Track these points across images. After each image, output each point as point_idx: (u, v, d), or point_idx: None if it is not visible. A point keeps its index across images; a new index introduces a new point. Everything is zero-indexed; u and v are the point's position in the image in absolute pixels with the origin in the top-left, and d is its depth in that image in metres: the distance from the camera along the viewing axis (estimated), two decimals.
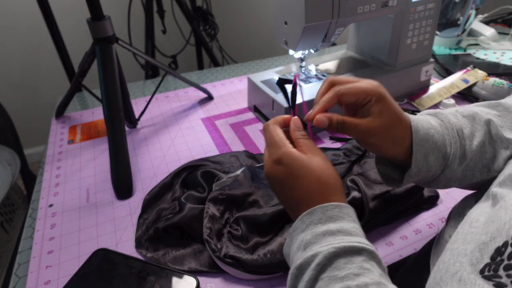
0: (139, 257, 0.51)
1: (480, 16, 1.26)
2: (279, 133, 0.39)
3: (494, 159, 0.39)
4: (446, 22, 1.10)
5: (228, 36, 1.94)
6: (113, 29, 0.70)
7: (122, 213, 0.58)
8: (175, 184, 0.61)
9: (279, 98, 0.72)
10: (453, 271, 0.27)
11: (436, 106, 0.82)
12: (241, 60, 1.37)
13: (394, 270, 0.50)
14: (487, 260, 0.25)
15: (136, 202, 0.60)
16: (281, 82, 0.46)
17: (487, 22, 1.24)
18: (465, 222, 0.31)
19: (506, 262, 0.24)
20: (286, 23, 0.69)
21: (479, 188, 0.42)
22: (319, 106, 0.39)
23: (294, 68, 0.84)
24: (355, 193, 0.52)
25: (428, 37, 0.81)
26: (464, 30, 1.06)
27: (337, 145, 0.69)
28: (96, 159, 0.71)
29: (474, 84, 0.84)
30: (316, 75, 0.80)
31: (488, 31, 1.13)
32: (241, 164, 0.64)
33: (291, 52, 0.74)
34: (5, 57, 1.66)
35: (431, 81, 0.90)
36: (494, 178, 0.37)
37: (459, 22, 1.08)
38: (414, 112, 0.80)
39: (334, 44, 1.20)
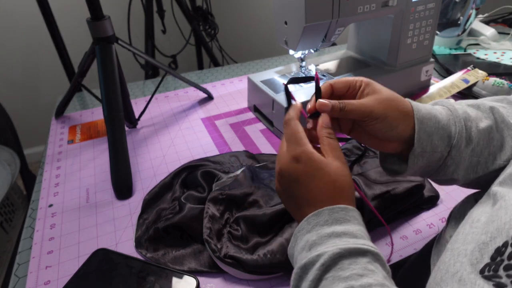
0: (139, 257, 0.51)
1: (480, 16, 1.26)
2: (300, 130, 0.39)
3: (502, 147, 0.39)
4: (446, 22, 1.10)
5: (228, 36, 1.94)
6: (113, 29, 0.70)
7: (122, 213, 0.58)
8: (175, 184, 0.61)
9: (279, 98, 0.72)
10: (453, 271, 0.27)
11: None
12: (241, 60, 1.37)
13: (394, 270, 0.50)
14: (487, 260, 0.25)
15: (136, 202, 0.60)
16: (295, 81, 0.45)
17: (487, 22, 1.24)
18: (466, 222, 0.31)
19: (506, 262, 0.24)
20: (286, 23, 0.69)
21: (482, 186, 0.42)
22: (315, 97, 0.41)
23: (294, 68, 0.84)
24: (355, 193, 0.52)
25: (428, 37, 0.81)
26: (464, 30, 1.06)
27: None
28: (96, 159, 0.71)
29: (474, 84, 0.84)
30: None
31: (488, 31, 1.13)
32: (241, 164, 0.64)
33: (291, 52, 0.74)
34: (5, 57, 1.66)
35: (431, 81, 0.90)
36: (497, 175, 0.37)
37: (459, 22, 1.08)
38: None
39: (334, 44, 1.20)
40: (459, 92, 0.84)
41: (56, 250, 0.53)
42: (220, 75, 1.04)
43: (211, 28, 1.68)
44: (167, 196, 0.59)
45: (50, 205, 0.61)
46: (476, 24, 1.16)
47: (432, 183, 0.60)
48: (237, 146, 0.73)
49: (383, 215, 0.53)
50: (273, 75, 0.81)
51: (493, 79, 0.82)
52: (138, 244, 0.52)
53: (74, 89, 0.81)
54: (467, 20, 1.03)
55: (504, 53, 1.04)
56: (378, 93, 0.39)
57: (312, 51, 0.75)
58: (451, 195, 0.59)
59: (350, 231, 0.33)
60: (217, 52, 1.80)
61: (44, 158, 0.72)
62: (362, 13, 0.68)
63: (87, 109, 0.89)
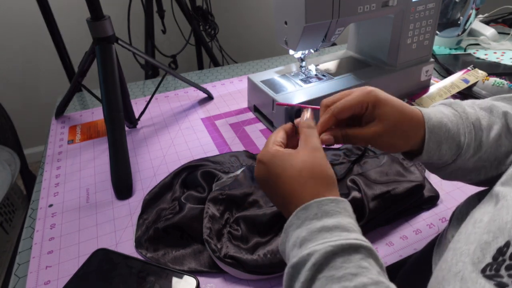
0: (139, 257, 0.51)
1: (480, 16, 1.26)
2: (273, 134, 0.40)
3: (508, 153, 0.39)
4: (447, 22, 1.10)
5: (228, 36, 1.94)
6: (113, 29, 0.70)
7: (122, 213, 0.58)
8: (175, 184, 0.61)
9: (279, 98, 0.72)
10: (455, 270, 0.27)
11: None
12: (241, 60, 1.36)
13: (395, 270, 0.50)
14: (489, 260, 0.25)
15: (136, 202, 0.60)
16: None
17: (487, 22, 1.24)
18: (469, 222, 0.31)
19: (508, 262, 0.24)
20: (286, 23, 0.69)
21: (483, 184, 0.42)
22: (318, 129, 0.40)
23: (294, 68, 0.84)
24: (355, 193, 0.52)
25: (428, 37, 0.81)
26: (464, 30, 1.05)
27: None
28: (96, 159, 0.71)
29: (474, 84, 0.84)
30: (316, 75, 0.80)
31: (488, 31, 1.13)
32: (241, 164, 0.64)
33: (291, 52, 0.74)
34: (5, 57, 1.66)
35: (431, 81, 0.90)
36: (500, 176, 0.37)
37: (459, 22, 1.08)
38: None
39: (334, 44, 1.20)
40: (459, 92, 0.84)
41: (56, 250, 0.53)
42: (220, 75, 1.04)
43: (211, 28, 1.68)
44: (167, 196, 0.59)
45: (50, 205, 0.61)
46: (476, 24, 1.16)
47: (432, 183, 0.60)
48: (237, 146, 0.73)
49: (384, 215, 0.53)
50: (273, 75, 0.81)
51: (493, 79, 0.82)
52: (138, 244, 0.52)
53: (74, 89, 0.81)
54: (467, 20, 1.03)
55: (504, 53, 1.04)
56: (387, 118, 0.38)
57: (312, 51, 0.75)
58: (451, 195, 0.59)
59: (342, 224, 0.31)
60: (217, 52, 1.80)
61: (44, 158, 0.72)
62: (362, 13, 0.68)
63: (87, 109, 0.89)
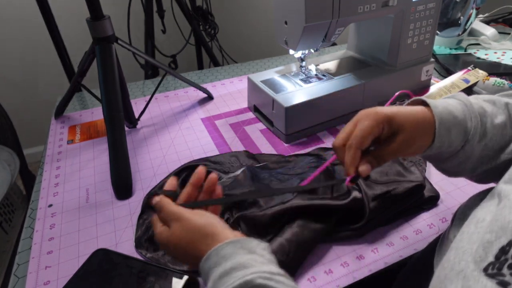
0: (139, 257, 0.50)
1: (481, 16, 1.26)
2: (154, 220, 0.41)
3: (510, 142, 0.39)
4: (447, 21, 1.10)
5: (228, 36, 1.94)
6: (113, 29, 0.70)
7: (122, 213, 0.58)
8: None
9: (279, 98, 0.71)
10: (458, 269, 0.27)
11: None
12: (241, 60, 1.36)
13: (395, 270, 0.50)
14: (491, 259, 0.25)
15: (136, 202, 0.60)
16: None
17: (487, 21, 1.24)
18: (471, 222, 0.31)
19: (510, 261, 0.24)
20: (286, 23, 0.68)
21: (485, 180, 0.43)
22: (353, 168, 0.39)
23: (294, 68, 0.84)
24: (355, 193, 0.52)
25: (429, 36, 0.81)
26: (464, 30, 1.05)
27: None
28: (95, 159, 0.71)
29: (474, 84, 0.84)
30: (316, 75, 0.80)
31: (489, 31, 1.13)
32: (241, 164, 0.64)
33: (291, 52, 0.74)
34: (5, 57, 1.66)
35: (432, 81, 0.90)
36: (500, 169, 0.37)
37: (459, 22, 1.08)
38: None
39: (334, 44, 1.20)
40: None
41: (56, 250, 0.53)
42: (220, 75, 1.03)
43: (211, 28, 1.68)
44: None
45: (50, 205, 0.60)
46: (477, 24, 1.16)
47: (432, 183, 0.60)
48: (237, 146, 0.72)
49: (384, 215, 0.53)
50: (273, 75, 0.81)
51: (493, 79, 0.82)
52: (138, 244, 0.52)
53: (74, 89, 0.81)
54: (468, 20, 1.03)
55: (504, 53, 1.04)
56: (403, 129, 0.38)
57: (312, 51, 0.75)
58: (451, 195, 0.59)
59: (239, 262, 0.32)
60: (217, 52, 1.79)
61: (43, 158, 0.72)
62: (362, 13, 0.68)
63: (87, 109, 0.89)
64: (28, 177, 1.25)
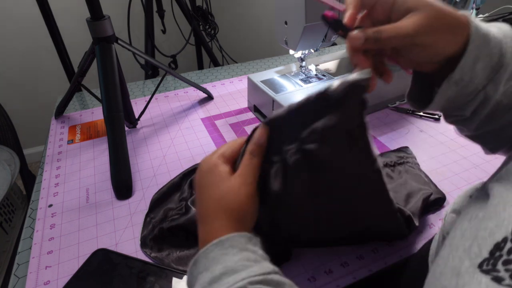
0: (142, 256, 0.50)
1: (481, 16, 1.26)
2: (224, 146, 0.40)
3: None
4: None
5: (228, 36, 1.94)
6: (113, 29, 0.70)
7: (122, 213, 0.58)
8: (183, 184, 0.61)
9: (279, 98, 0.71)
10: (452, 265, 0.27)
11: None
12: (241, 60, 1.36)
13: (395, 270, 0.50)
14: (485, 255, 0.25)
15: (136, 202, 0.60)
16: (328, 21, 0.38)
17: (487, 21, 1.24)
18: (464, 218, 0.31)
19: (505, 257, 0.24)
20: (286, 23, 0.69)
21: (486, 140, 0.38)
22: (347, 17, 0.34)
23: (294, 68, 0.84)
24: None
25: None
26: None
27: None
28: (95, 159, 0.71)
29: None
30: (316, 75, 0.80)
31: None
32: None
33: (291, 52, 0.74)
34: (5, 57, 1.66)
35: None
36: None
37: None
38: (415, 112, 0.80)
39: (334, 44, 1.20)
40: None
41: (56, 250, 0.53)
42: (220, 75, 1.03)
43: (211, 28, 1.68)
44: (175, 196, 0.59)
45: (50, 205, 0.61)
46: None
47: (437, 185, 0.59)
48: None
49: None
50: (273, 75, 0.81)
51: None
52: (143, 244, 0.52)
53: (74, 89, 0.81)
54: None
55: None
56: (424, 9, 0.30)
57: (312, 51, 0.75)
58: (451, 195, 0.59)
59: (229, 266, 0.31)
60: (217, 52, 1.80)
61: (44, 158, 0.72)
62: None
63: (87, 109, 0.89)
64: (28, 177, 1.25)
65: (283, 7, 0.68)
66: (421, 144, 0.71)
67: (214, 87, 0.96)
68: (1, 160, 1.06)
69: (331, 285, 0.46)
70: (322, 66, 0.85)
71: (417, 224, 0.49)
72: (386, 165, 0.61)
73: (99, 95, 0.70)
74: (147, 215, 0.57)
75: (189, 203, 0.54)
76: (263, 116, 0.80)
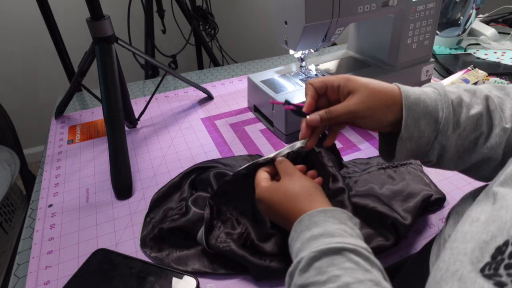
0: (142, 256, 0.50)
1: (481, 16, 1.26)
2: (258, 176, 0.46)
3: (488, 135, 0.40)
4: (447, 21, 1.10)
5: (228, 36, 1.94)
6: (113, 29, 0.70)
7: (121, 213, 0.58)
8: (183, 184, 0.60)
9: (279, 98, 0.71)
10: (453, 269, 0.27)
11: None
12: (241, 60, 1.36)
13: (395, 270, 0.50)
14: (487, 259, 0.25)
15: (136, 202, 0.60)
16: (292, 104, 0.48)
17: (487, 21, 1.24)
18: (465, 221, 0.31)
19: (507, 261, 0.24)
20: (286, 23, 0.68)
21: (470, 172, 0.43)
22: (306, 104, 0.45)
23: (294, 68, 0.84)
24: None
25: (429, 36, 0.81)
26: (464, 30, 1.05)
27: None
28: (95, 159, 0.71)
29: (474, 84, 0.84)
30: (316, 75, 0.80)
31: (489, 31, 1.13)
32: None
33: (291, 52, 0.74)
34: (5, 57, 1.66)
35: (432, 81, 0.90)
36: (483, 164, 0.39)
37: (459, 22, 1.08)
38: None
39: (334, 44, 1.20)
40: None
41: (56, 250, 0.53)
42: (220, 75, 1.03)
43: (211, 28, 1.68)
44: (175, 196, 0.59)
45: (50, 205, 0.61)
46: (476, 24, 1.16)
47: (437, 185, 0.60)
48: (237, 146, 0.73)
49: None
50: (273, 75, 0.81)
51: (493, 79, 0.82)
52: (143, 244, 0.52)
53: (74, 89, 0.81)
54: (467, 20, 1.03)
55: (504, 53, 1.04)
56: (360, 91, 0.41)
57: (312, 51, 0.75)
58: (451, 195, 0.59)
59: (327, 231, 0.34)
60: (217, 52, 1.79)
61: (44, 158, 0.72)
62: (362, 13, 0.68)
63: (87, 109, 0.89)
64: (28, 177, 1.25)
65: (283, 7, 0.68)
66: None
67: (214, 87, 0.96)
68: (1, 160, 1.06)
69: None
70: (322, 66, 0.85)
71: (407, 223, 0.50)
72: (388, 166, 0.61)
73: (99, 95, 0.70)
74: (147, 215, 0.56)
75: (189, 203, 0.54)
76: (263, 116, 0.80)
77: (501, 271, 0.24)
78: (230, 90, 0.94)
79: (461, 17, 1.08)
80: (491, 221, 0.28)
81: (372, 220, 0.50)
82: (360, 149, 0.70)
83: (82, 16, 0.77)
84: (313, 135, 0.46)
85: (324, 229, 0.34)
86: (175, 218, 0.53)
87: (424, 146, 0.41)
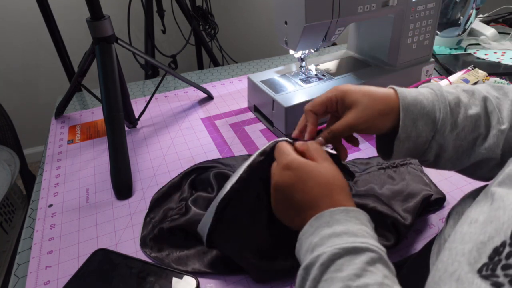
0: (142, 256, 0.50)
1: (481, 16, 1.26)
2: (285, 145, 0.43)
3: (485, 136, 0.40)
4: (447, 21, 1.10)
5: (228, 36, 1.94)
6: (113, 29, 0.70)
7: (121, 213, 0.58)
8: (183, 184, 0.60)
9: (279, 98, 0.71)
10: (451, 270, 0.27)
11: None
12: (241, 60, 1.36)
13: (395, 270, 0.50)
14: (485, 259, 0.25)
15: (136, 202, 0.60)
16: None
17: (487, 21, 1.24)
18: (464, 222, 0.31)
19: (504, 261, 0.24)
20: (286, 22, 0.68)
21: (469, 173, 0.43)
22: (298, 128, 0.46)
23: (294, 68, 0.84)
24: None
25: (429, 36, 0.81)
26: (464, 30, 1.05)
27: None
28: (95, 159, 0.71)
29: (474, 84, 0.84)
30: (316, 75, 0.80)
31: (489, 31, 1.13)
32: None
33: (291, 52, 0.74)
34: (5, 57, 1.66)
35: (432, 81, 0.90)
36: (481, 164, 0.39)
37: (459, 22, 1.08)
38: None
39: (334, 44, 1.20)
40: None
41: (56, 250, 0.53)
42: (220, 75, 1.03)
43: (211, 28, 1.68)
44: (175, 196, 0.59)
45: (50, 205, 0.61)
46: (477, 24, 1.16)
47: (437, 185, 0.59)
48: (237, 146, 0.73)
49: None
50: (273, 75, 0.81)
51: (493, 79, 0.82)
52: (143, 244, 0.52)
53: (74, 89, 0.81)
54: (468, 20, 1.03)
55: (504, 53, 1.04)
56: (357, 105, 0.41)
57: (312, 51, 0.75)
58: (451, 195, 0.59)
59: (350, 230, 0.33)
60: (217, 52, 1.80)
61: (44, 158, 0.72)
62: (362, 13, 0.68)
63: (87, 109, 0.89)
64: (28, 177, 1.25)
65: (283, 7, 0.68)
66: None
67: (214, 87, 0.96)
68: (1, 160, 1.06)
69: None
70: (322, 66, 0.85)
71: (407, 223, 0.50)
72: (388, 166, 0.61)
73: (99, 95, 0.70)
74: (147, 215, 0.56)
75: (189, 203, 0.54)
76: (263, 116, 0.80)
77: (498, 271, 0.24)
78: (230, 90, 0.94)
79: (461, 17, 1.08)
80: (489, 222, 0.28)
81: (372, 220, 0.50)
82: (360, 149, 0.70)
83: (82, 16, 0.78)
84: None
85: (347, 228, 0.34)
86: (175, 218, 0.53)
87: (422, 145, 0.41)
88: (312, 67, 0.83)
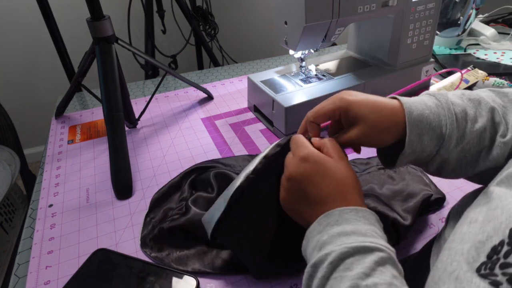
0: (142, 256, 0.51)
1: (481, 16, 1.26)
2: (302, 137, 0.42)
3: (490, 148, 0.39)
4: (447, 22, 1.10)
5: (228, 36, 1.94)
6: (113, 29, 0.70)
7: (122, 213, 0.58)
8: (183, 184, 0.61)
9: (279, 98, 0.72)
10: (450, 270, 0.27)
11: None
12: (241, 60, 1.37)
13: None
14: (483, 258, 0.25)
15: (136, 202, 0.60)
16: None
17: (487, 22, 1.24)
18: (464, 222, 0.31)
19: (502, 260, 0.24)
20: (286, 23, 0.69)
21: (471, 178, 0.43)
22: (299, 133, 0.44)
23: (294, 68, 0.84)
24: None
25: (428, 37, 0.81)
26: (464, 30, 1.06)
27: None
28: (96, 159, 0.71)
29: (474, 84, 0.84)
30: (316, 75, 0.80)
31: (489, 31, 1.13)
32: None
33: (291, 52, 0.74)
34: (5, 57, 1.66)
35: (431, 81, 0.90)
36: (486, 172, 0.38)
37: (459, 22, 1.08)
38: None
39: (334, 44, 1.20)
40: None
41: (56, 250, 0.53)
42: (220, 75, 1.04)
43: (211, 28, 1.68)
44: (175, 196, 0.59)
45: (50, 205, 0.61)
46: (476, 24, 1.16)
47: (437, 185, 0.60)
48: (237, 146, 0.73)
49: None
50: (273, 75, 0.81)
51: (493, 79, 0.82)
52: (143, 244, 0.52)
53: (74, 89, 0.81)
54: (467, 20, 1.03)
55: (504, 53, 1.04)
56: (360, 122, 0.40)
57: (312, 51, 0.75)
58: (451, 195, 0.59)
59: (359, 230, 0.33)
60: (217, 52, 1.80)
61: (44, 158, 0.72)
62: (362, 13, 0.68)
63: (87, 109, 0.89)
64: (28, 177, 1.25)
65: (283, 7, 0.68)
66: None
67: (214, 87, 0.96)
68: (1, 160, 1.06)
69: None
70: (322, 66, 0.85)
71: (407, 223, 0.49)
72: None
73: (99, 95, 0.70)
74: (147, 215, 0.57)
75: (189, 203, 0.54)
76: (263, 116, 0.80)
77: (497, 270, 0.24)
78: (230, 90, 0.94)
79: (461, 17, 1.08)
80: (487, 221, 0.28)
81: None
82: None
83: (82, 16, 0.78)
84: None
85: (356, 228, 0.34)
86: (175, 218, 0.53)
87: (425, 158, 0.40)
88: (312, 67, 0.83)
